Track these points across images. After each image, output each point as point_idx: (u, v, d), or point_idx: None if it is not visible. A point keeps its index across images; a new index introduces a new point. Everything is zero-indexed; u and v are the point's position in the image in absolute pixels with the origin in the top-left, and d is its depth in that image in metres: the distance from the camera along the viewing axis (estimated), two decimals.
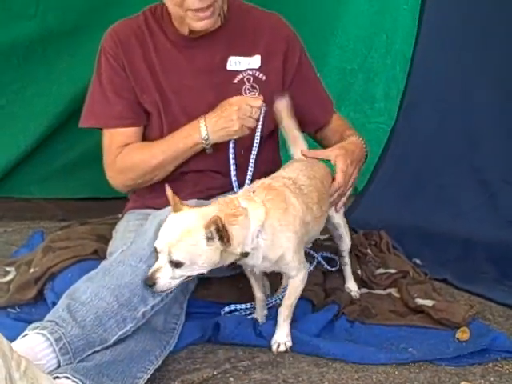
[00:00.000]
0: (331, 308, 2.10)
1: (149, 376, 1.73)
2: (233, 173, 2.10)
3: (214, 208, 1.73)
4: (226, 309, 2.07)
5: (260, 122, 2.08)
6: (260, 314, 2.05)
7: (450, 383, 1.80)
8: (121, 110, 2.16)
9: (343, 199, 2.17)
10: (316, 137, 2.38)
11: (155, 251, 1.73)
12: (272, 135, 2.27)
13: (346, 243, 2.23)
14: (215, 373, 1.83)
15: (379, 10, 3.23)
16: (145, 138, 2.21)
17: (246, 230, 1.73)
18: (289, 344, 1.92)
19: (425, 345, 1.95)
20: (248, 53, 2.18)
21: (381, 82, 3.26)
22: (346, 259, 2.25)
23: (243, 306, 2.08)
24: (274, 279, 2.15)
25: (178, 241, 1.67)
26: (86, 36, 3.01)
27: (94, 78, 2.22)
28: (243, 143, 2.11)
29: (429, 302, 2.15)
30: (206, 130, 2.05)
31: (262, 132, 2.10)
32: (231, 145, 2.09)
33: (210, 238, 1.66)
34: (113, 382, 1.63)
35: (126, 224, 2.26)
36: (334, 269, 2.29)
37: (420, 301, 2.17)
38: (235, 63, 2.17)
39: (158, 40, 2.17)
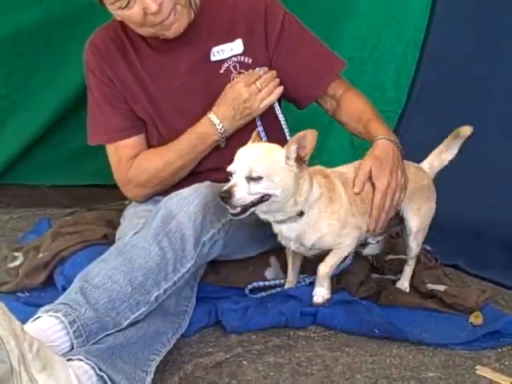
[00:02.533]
0: (342, 294, 2.06)
1: (161, 358, 1.72)
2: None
3: None
4: (249, 286, 2.06)
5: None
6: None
7: (464, 367, 1.79)
8: (120, 121, 2.15)
9: (388, 215, 1.98)
10: (336, 117, 2.27)
11: (229, 175, 1.76)
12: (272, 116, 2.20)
13: (410, 251, 2.11)
14: (228, 356, 1.82)
15: None
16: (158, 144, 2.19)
17: (309, 187, 1.82)
18: (327, 296, 1.96)
19: (439, 329, 1.93)
20: (229, 38, 2.12)
21: (391, 70, 3.20)
22: (410, 262, 2.15)
23: (267, 283, 2.08)
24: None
25: (260, 156, 1.75)
26: (92, 23, 2.94)
27: (88, 94, 2.21)
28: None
29: (440, 287, 2.13)
30: (221, 124, 2.05)
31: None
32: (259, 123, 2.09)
33: (288, 158, 1.75)
34: (126, 365, 1.62)
35: (134, 210, 2.25)
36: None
37: (431, 286, 2.15)
38: (218, 53, 2.11)
39: (138, 46, 2.13)
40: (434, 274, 2.23)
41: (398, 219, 2.09)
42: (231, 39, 2.12)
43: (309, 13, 2.75)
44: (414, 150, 2.97)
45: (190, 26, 2.06)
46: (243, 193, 1.71)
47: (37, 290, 2.12)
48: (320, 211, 1.85)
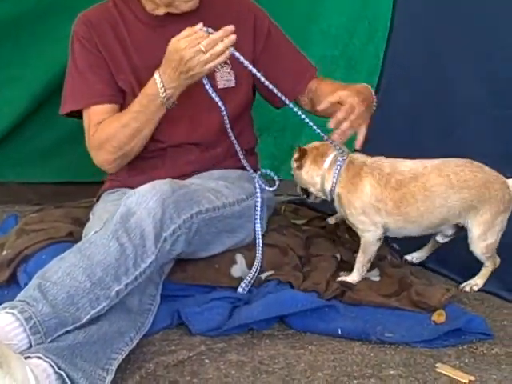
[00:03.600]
0: (310, 296, 2.03)
1: (123, 357, 1.71)
2: (221, 107, 2.11)
3: (312, 147, 2.24)
4: (240, 290, 2.08)
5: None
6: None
7: (425, 364, 1.80)
8: (101, 88, 2.18)
9: (348, 131, 2.03)
10: (313, 107, 2.31)
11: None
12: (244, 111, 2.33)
13: (478, 257, 2.22)
14: (191, 354, 1.81)
15: None
16: None
17: (314, 178, 2.20)
18: (356, 279, 2.17)
19: (401, 327, 1.94)
20: (218, 28, 2.13)
21: (363, 69, 3.24)
22: (485, 264, 2.24)
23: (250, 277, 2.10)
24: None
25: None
26: (61, 19, 2.91)
27: (69, 64, 2.23)
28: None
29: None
30: (163, 88, 2.03)
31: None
32: (205, 81, 2.07)
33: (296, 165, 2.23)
34: (86, 363, 1.60)
35: (103, 205, 2.25)
36: (272, 188, 2.28)
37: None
38: None
39: (128, 21, 2.21)
40: (400, 271, 2.25)
41: (456, 228, 2.24)
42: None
43: (281, 12, 2.78)
44: (380, 148, 2.99)
45: None
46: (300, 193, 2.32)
47: (0, 288, 2.09)
48: (339, 202, 2.18)
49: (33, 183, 3.26)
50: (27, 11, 3.05)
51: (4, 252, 2.19)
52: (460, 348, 1.88)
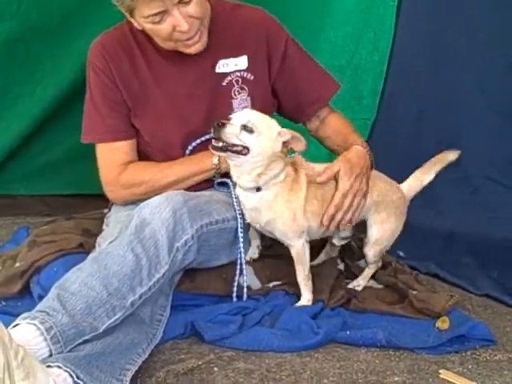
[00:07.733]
0: (315, 307, 2.10)
1: (136, 368, 1.76)
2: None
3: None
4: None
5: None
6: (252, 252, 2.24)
7: (429, 371, 1.84)
8: (114, 123, 2.20)
9: (345, 216, 2.08)
10: (318, 134, 2.39)
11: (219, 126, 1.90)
12: None
13: (366, 258, 2.22)
14: (200, 363, 1.86)
15: (367, 6, 3.22)
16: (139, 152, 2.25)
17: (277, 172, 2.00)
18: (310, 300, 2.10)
19: (406, 334, 1.98)
20: (234, 54, 2.22)
21: (369, 78, 3.27)
22: (370, 266, 2.25)
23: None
24: None
25: (261, 117, 1.99)
26: (71, 35, 3.00)
27: (86, 93, 2.24)
28: None
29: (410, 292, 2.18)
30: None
31: None
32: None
33: (279, 136, 1.97)
34: (102, 373, 1.66)
35: (115, 216, 2.29)
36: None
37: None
38: (223, 66, 2.21)
39: (146, 51, 2.19)
40: (404, 279, 2.27)
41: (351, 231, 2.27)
42: (237, 55, 2.22)
43: (288, 21, 2.81)
44: (385, 155, 3.02)
45: None
46: (234, 133, 1.91)
47: (13, 299, 2.14)
48: (277, 195, 2.02)
49: (43, 195, 3.30)
50: (36, 28, 3.08)
51: (17, 264, 2.24)
52: (463, 354, 1.93)
